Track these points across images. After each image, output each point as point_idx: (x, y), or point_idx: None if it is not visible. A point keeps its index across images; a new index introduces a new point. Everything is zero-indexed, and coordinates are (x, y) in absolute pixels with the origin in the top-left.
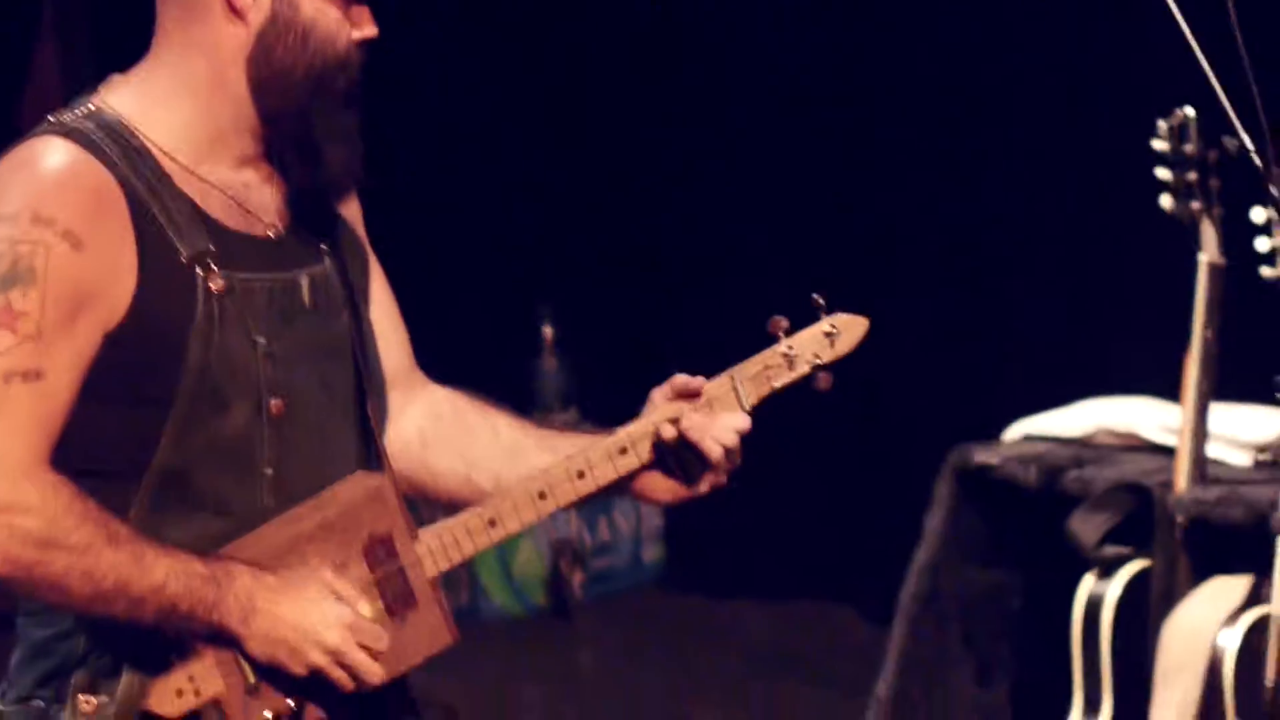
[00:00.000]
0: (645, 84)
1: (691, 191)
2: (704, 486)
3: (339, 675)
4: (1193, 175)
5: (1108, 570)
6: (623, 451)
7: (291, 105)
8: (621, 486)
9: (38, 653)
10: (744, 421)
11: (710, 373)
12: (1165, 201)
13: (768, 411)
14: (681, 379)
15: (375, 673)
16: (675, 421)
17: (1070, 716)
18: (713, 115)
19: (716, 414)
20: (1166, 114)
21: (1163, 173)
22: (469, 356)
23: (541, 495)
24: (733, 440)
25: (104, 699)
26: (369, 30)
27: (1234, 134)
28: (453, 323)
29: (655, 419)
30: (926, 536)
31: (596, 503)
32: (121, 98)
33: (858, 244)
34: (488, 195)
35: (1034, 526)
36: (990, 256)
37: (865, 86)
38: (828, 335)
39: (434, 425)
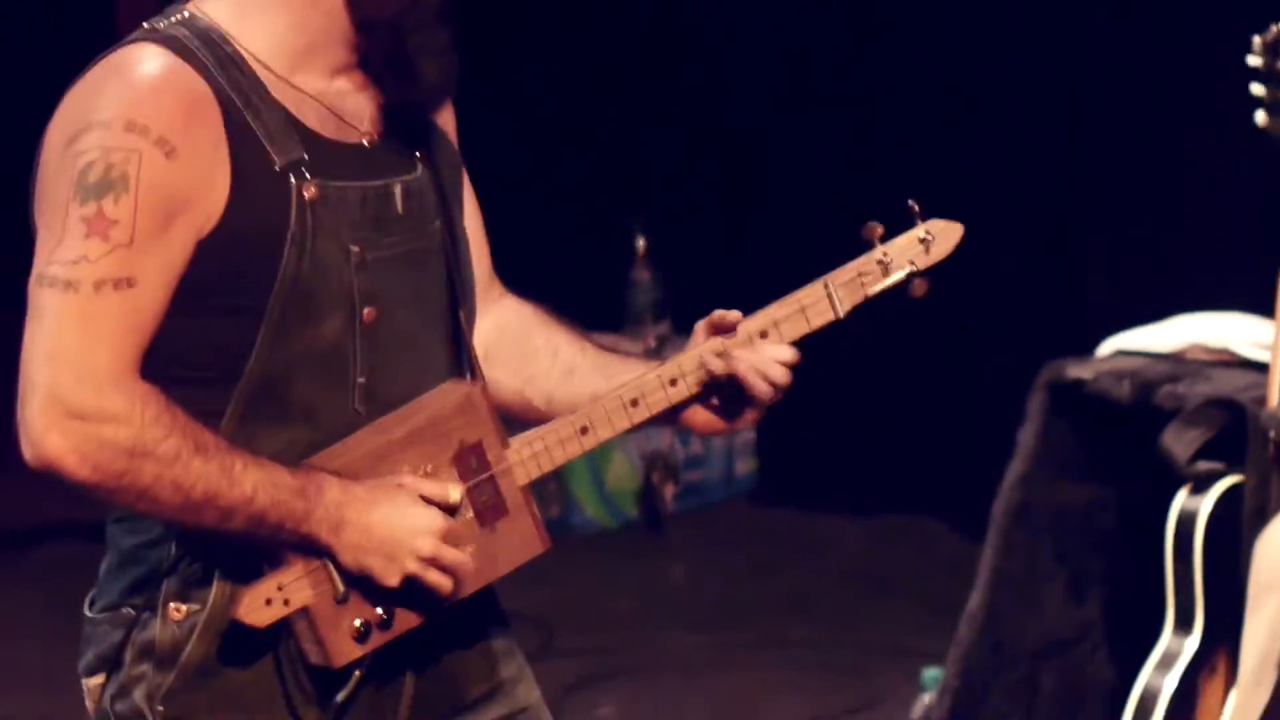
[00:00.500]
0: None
1: (782, 102)
2: (746, 421)
3: (435, 579)
4: None
5: (1200, 486)
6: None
7: (385, 16)
8: (668, 417)
9: (127, 560)
10: (791, 354)
11: (803, 282)
12: (1260, 117)
13: (861, 324)
14: (719, 313)
15: (470, 574)
16: (722, 355)
17: (1163, 633)
18: (794, 27)
19: (761, 347)
20: (1262, 29)
21: (1257, 88)
22: (564, 269)
23: (634, 402)
24: (780, 374)
25: (195, 606)
26: None
27: None
28: (548, 235)
29: (703, 351)
30: (1019, 451)
31: None
32: (216, 5)
33: (952, 157)
34: (582, 109)
35: (1127, 442)
36: (1085, 172)
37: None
38: (923, 241)
39: (498, 338)
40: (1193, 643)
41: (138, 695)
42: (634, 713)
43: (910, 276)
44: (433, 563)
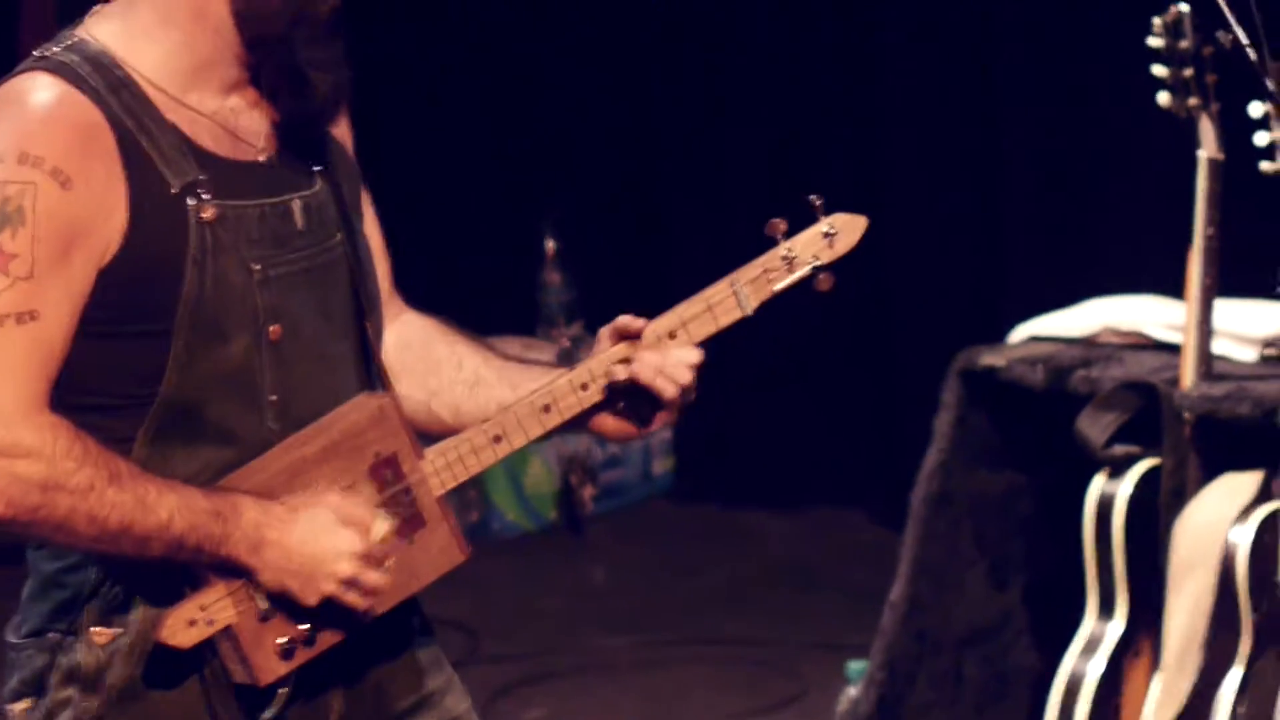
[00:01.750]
0: None
1: (691, 100)
2: (656, 425)
3: (354, 600)
4: (1189, 71)
5: (1117, 470)
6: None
7: (274, 32)
8: (579, 422)
9: (49, 585)
10: (696, 355)
11: (713, 280)
12: (1163, 98)
13: (773, 319)
14: (624, 320)
15: (387, 595)
16: (626, 362)
17: (1085, 618)
18: (709, 24)
19: (667, 350)
20: (1162, 10)
21: (1159, 69)
22: (476, 272)
23: (546, 408)
24: (687, 377)
25: (118, 630)
26: None
27: (1229, 28)
28: (459, 238)
29: (608, 357)
30: (935, 440)
31: None
32: (106, 29)
33: (859, 150)
34: (489, 111)
35: (1043, 428)
36: (991, 158)
37: None
38: (826, 235)
39: (401, 353)
40: (1116, 627)
41: (65, 718)
42: (564, 715)
43: (815, 271)
44: (352, 585)
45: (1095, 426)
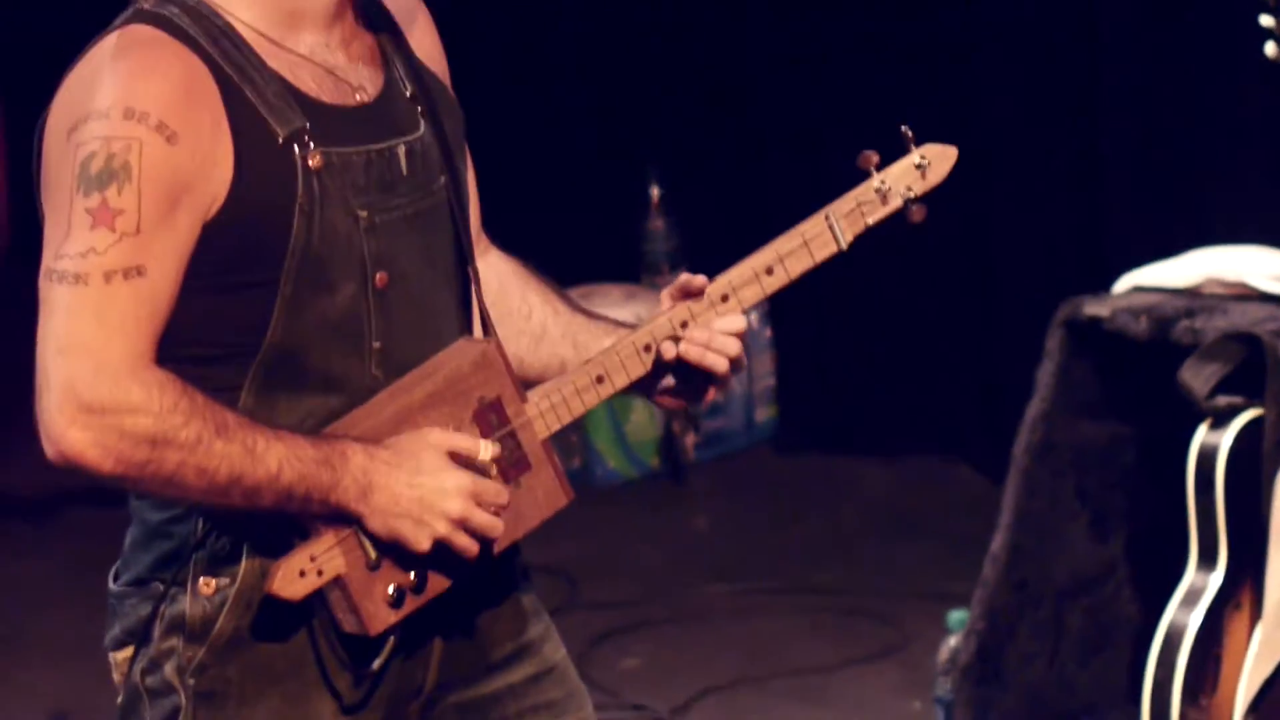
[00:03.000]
0: None
1: (789, 44)
2: (709, 398)
3: (464, 543)
4: None
5: (1220, 421)
6: (647, 349)
7: None
8: (637, 387)
9: (154, 535)
10: (740, 323)
11: None
12: (1270, 49)
13: (878, 268)
14: (685, 278)
15: (499, 533)
16: (675, 340)
17: (1186, 569)
18: None
19: (711, 324)
20: None
21: (1267, 19)
22: (578, 219)
23: (647, 348)
24: (734, 348)
25: (224, 581)
26: None
27: None
28: (562, 187)
29: (669, 320)
30: (1039, 390)
31: None
32: None
33: (971, 95)
34: (593, 59)
35: (1146, 378)
36: (1095, 108)
37: None
38: (918, 167)
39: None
40: (1217, 578)
41: (168, 669)
42: (661, 663)
43: (908, 203)
44: (462, 524)
45: (1199, 377)
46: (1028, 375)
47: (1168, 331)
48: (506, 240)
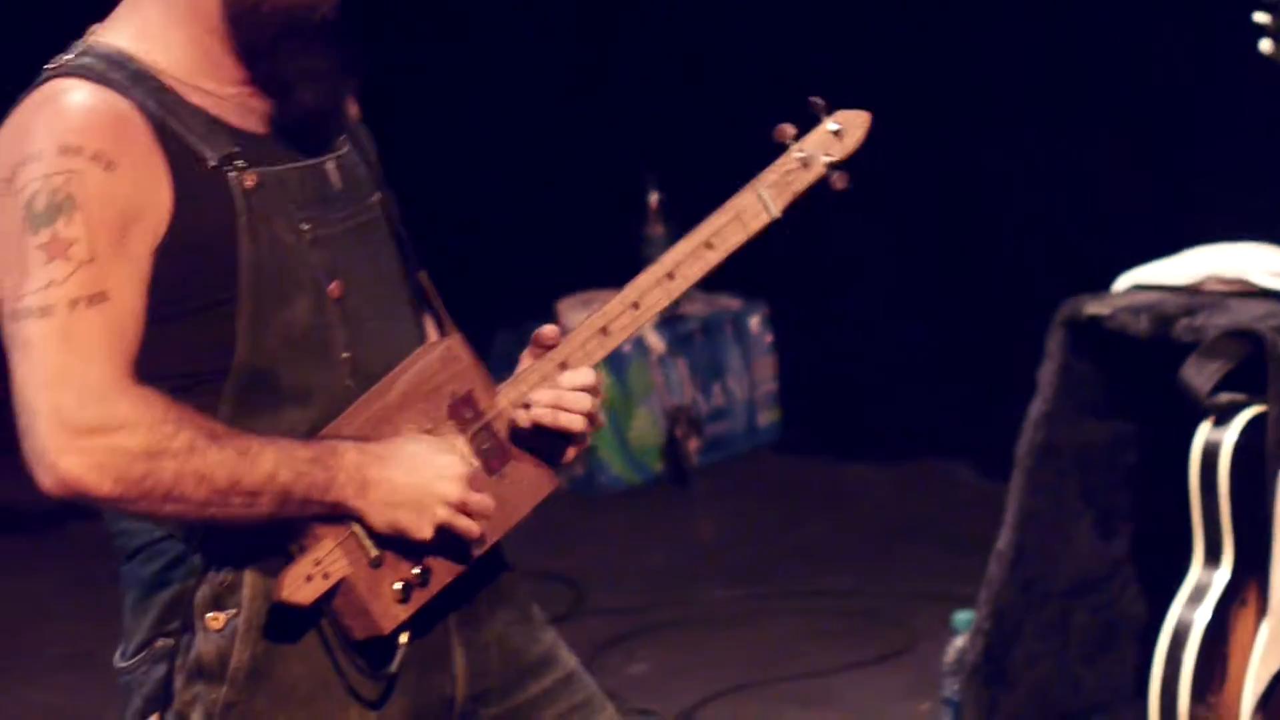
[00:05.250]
0: None
1: (788, 50)
2: (569, 458)
3: (465, 525)
4: None
5: (1223, 418)
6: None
7: (263, 40)
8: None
9: (151, 589)
10: (590, 377)
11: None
12: (1265, 45)
13: (880, 269)
14: (535, 333)
15: (491, 527)
16: (527, 408)
17: (1191, 567)
18: None
19: (559, 382)
20: None
21: (1261, 16)
22: (577, 225)
23: (604, 330)
24: (585, 403)
25: (230, 611)
26: None
27: None
28: (561, 193)
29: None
30: (1040, 390)
31: (709, 369)
32: (114, 33)
33: (961, 96)
34: (592, 64)
35: (1147, 376)
36: (1095, 107)
37: None
38: (834, 133)
39: None
40: (1222, 575)
41: (196, 717)
42: (669, 668)
43: (830, 168)
44: (461, 508)
45: (1200, 375)
46: (1029, 376)
47: (1168, 329)
48: (506, 247)
